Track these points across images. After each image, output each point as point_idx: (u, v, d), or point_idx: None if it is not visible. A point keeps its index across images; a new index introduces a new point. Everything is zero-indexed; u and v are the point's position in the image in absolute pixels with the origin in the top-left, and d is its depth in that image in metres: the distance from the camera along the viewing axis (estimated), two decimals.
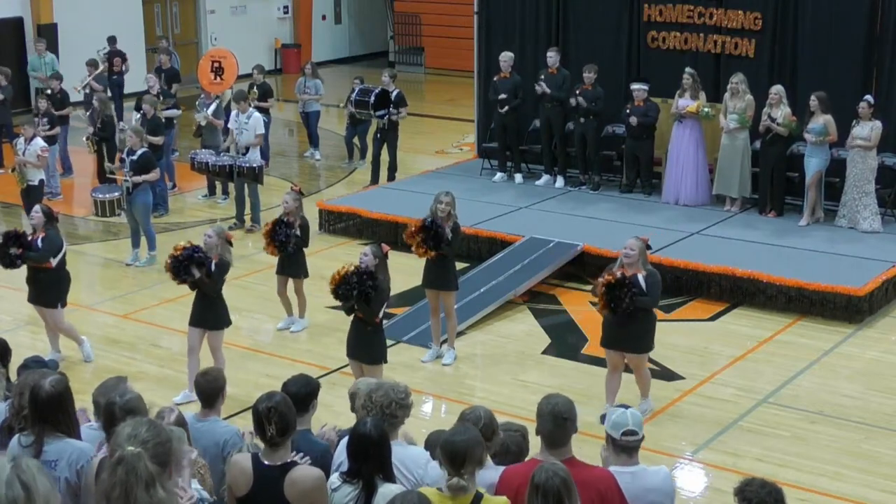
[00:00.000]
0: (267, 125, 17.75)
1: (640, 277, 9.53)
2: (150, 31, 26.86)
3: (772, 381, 10.91)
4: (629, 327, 9.65)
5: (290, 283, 12.24)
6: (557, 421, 5.63)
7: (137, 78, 21.64)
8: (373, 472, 5.48)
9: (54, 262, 11.07)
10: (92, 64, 20.38)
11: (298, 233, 11.93)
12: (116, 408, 5.67)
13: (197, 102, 18.27)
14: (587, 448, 6.47)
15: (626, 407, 6.03)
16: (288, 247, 11.89)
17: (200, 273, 10.18)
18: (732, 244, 13.90)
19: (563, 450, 5.65)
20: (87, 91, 19.42)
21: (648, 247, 9.86)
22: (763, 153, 14.85)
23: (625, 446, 5.78)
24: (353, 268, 9.40)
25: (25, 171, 15.02)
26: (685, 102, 15.22)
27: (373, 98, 17.86)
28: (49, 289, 11.18)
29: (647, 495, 5.75)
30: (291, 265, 12.13)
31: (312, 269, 12.28)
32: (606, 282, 9.40)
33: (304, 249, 12.17)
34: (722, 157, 15.18)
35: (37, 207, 11.43)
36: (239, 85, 19.05)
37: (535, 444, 6.03)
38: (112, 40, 22.20)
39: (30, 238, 11.06)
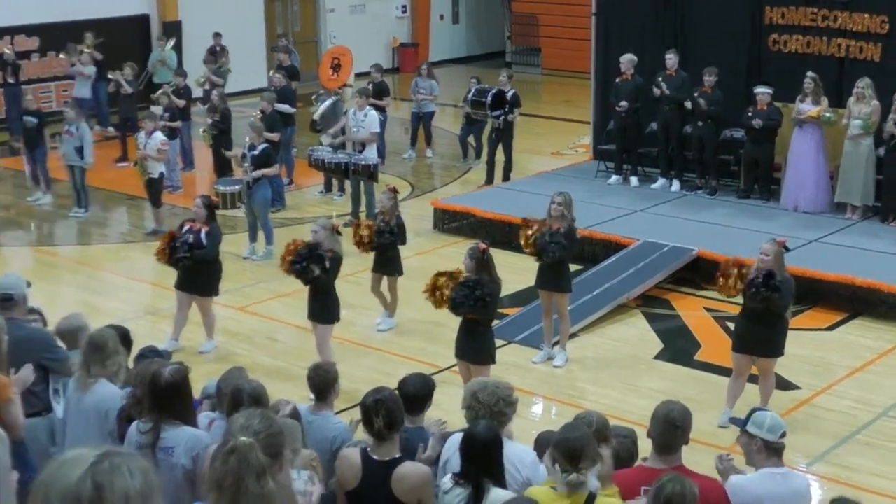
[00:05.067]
0: (383, 123, 17.89)
1: None
2: (271, 29, 27.28)
3: (891, 394, 10.63)
4: (762, 331, 9.58)
5: (385, 280, 12.37)
6: (669, 427, 5.59)
7: (258, 75, 22.04)
8: (482, 474, 5.47)
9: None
10: (210, 61, 20.79)
11: (392, 235, 12.06)
12: (244, 394, 5.84)
13: (314, 97, 18.53)
14: (698, 455, 6.39)
15: (765, 410, 6.04)
16: (390, 249, 12.11)
17: (319, 270, 10.37)
18: (853, 253, 13.59)
19: (673, 457, 5.61)
20: (207, 87, 19.80)
21: (787, 248, 9.74)
22: (887, 160, 14.49)
23: (779, 448, 5.83)
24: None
25: (146, 164, 15.37)
26: (806, 107, 14.93)
27: (489, 98, 17.90)
28: (206, 278, 11.46)
29: (795, 499, 5.78)
30: (386, 263, 12.24)
31: (423, 268, 12.33)
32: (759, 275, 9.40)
33: (400, 248, 12.28)
34: (844, 164, 14.85)
35: (198, 200, 11.61)
36: (358, 83, 19.23)
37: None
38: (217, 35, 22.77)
39: (189, 227, 11.34)
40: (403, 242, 12.30)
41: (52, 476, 2.75)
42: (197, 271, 11.38)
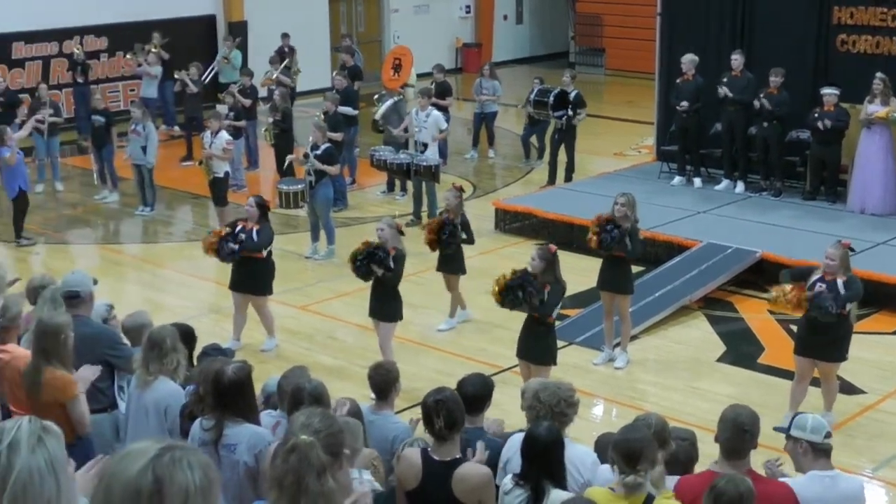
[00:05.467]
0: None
1: (840, 283, 9.32)
2: (335, 30, 27.43)
3: None
4: (825, 335, 9.45)
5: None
6: (737, 431, 5.56)
7: (322, 75, 22.10)
8: (542, 476, 5.46)
9: (264, 252, 11.45)
10: (275, 61, 20.92)
11: (462, 233, 12.05)
12: (305, 393, 5.88)
13: (376, 97, 18.59)
14: (762, 460, 6.32)
15: (806, 413, 6.00)
16: (451, 246, 12.06)
17: (381, 271, 10.44)
18: None
19: (741, 462, 5.56)
20: (274, 87, 19.93)
21: (852, 249, 9.63)
22: None
23: (826, 449, 5.78)
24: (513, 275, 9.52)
25: (211, 163, 15.51)
26: (875, 108, 14.72)
27: (552, 99, 17.85)
28: (259, 278, 11.54)
29: (845, 503, 5.71)
30: (449, 262, 12.26)
31: (484, 268, 12.33)
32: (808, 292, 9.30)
33: (464, 247, 12.27)
34: None
35: (250, 200, 11.74)
36: (421, 83, 19.25)
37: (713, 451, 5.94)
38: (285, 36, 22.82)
39: (242, 227, 11.42)
40: (471, 242, 12.29)
41: (114, 468, 2.79)
42: (249, 271, 11.47)
